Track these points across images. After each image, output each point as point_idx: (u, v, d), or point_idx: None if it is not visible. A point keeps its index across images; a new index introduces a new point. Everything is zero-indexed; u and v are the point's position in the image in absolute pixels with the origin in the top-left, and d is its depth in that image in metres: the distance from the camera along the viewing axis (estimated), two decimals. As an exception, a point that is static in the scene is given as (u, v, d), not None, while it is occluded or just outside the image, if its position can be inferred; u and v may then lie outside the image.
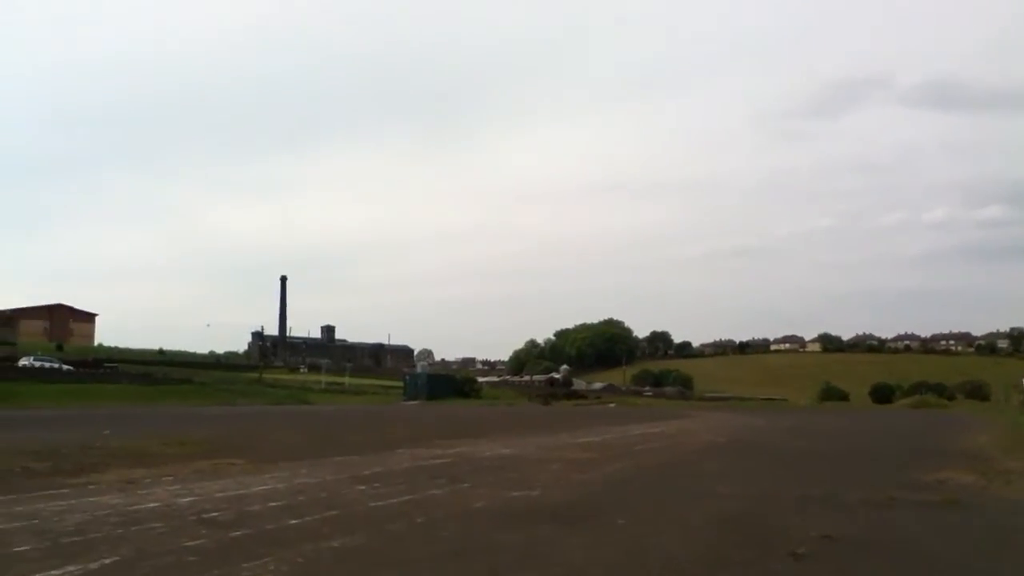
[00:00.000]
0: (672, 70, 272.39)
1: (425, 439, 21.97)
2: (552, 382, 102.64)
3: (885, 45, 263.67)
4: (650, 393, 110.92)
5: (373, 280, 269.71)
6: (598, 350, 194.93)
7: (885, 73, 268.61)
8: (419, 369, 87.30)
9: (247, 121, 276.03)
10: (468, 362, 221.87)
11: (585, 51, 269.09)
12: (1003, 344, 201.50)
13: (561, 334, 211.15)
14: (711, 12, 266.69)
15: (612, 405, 72.33)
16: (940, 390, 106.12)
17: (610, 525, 8.83)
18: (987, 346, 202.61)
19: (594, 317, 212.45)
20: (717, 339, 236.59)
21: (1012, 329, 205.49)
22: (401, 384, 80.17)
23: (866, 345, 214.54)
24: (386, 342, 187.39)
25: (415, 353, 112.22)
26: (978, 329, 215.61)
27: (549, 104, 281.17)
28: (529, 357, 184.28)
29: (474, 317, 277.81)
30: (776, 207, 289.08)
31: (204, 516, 8.92)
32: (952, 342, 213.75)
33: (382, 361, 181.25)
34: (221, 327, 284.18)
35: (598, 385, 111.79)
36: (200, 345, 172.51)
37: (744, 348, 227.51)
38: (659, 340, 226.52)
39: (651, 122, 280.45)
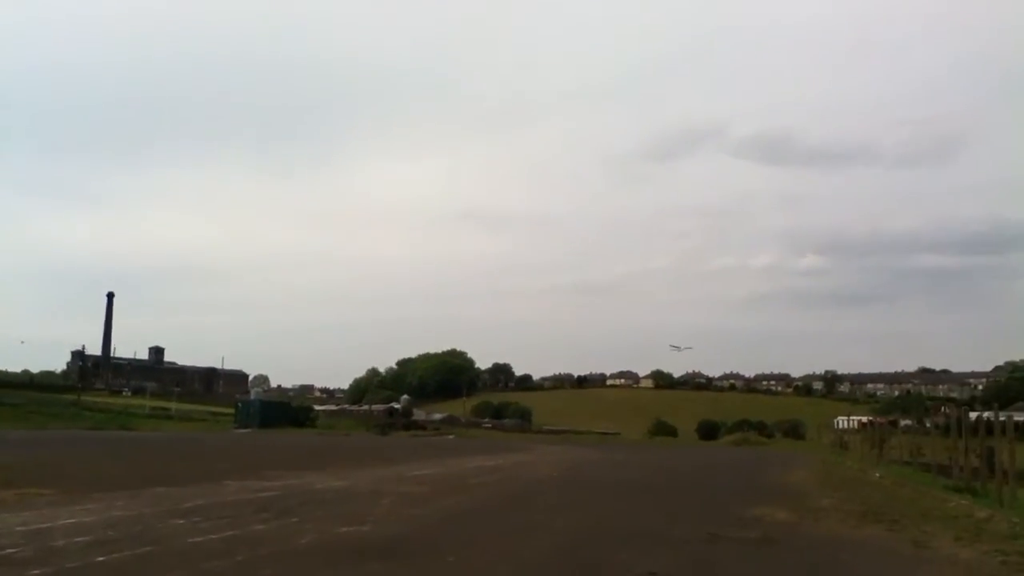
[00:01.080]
0: (526, 106, 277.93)
1: (254, 470, 21.11)
2: (391, 412, 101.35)
3: (721, 98, 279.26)
4: (489, 425, 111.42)
5: (208, 301, 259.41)
6: (440, 380, 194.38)
7: (720, 124, 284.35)
8: (253, 395, 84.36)
9: (76, 126, 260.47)
10: (306, 389, 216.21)
11: (442, 81, 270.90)
12: (818, 385, 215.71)
13: (404, 363, 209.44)
14: (565, 52, 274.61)
15: (451, 437, 72.09)
16: (761, 428, 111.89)
17: (440, 561, 8.69)
18: (804, 387, 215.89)
19: (438, 347, 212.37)
20: (557, 372, 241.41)
21: (826, 371, 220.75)
22: (233, 411, 77.04)
23: (695, 383, 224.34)
24: (219, 366, 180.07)
25: (250, 379, 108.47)
26: (796, 371, 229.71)
27: (402, 132, 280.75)
28: (370, 386, 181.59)
29: (314, 343, 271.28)
30: (618, 245, 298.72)
31: (-2, 554, 8.16)
32: (773, 382, 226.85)
33: (214, 386, 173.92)
34: (38, 345, 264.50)
35: (438, 416, 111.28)
36: (12, 363, 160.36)
37: (582, 382, 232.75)
38: (501, 372, 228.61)
39: (502, 155, 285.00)
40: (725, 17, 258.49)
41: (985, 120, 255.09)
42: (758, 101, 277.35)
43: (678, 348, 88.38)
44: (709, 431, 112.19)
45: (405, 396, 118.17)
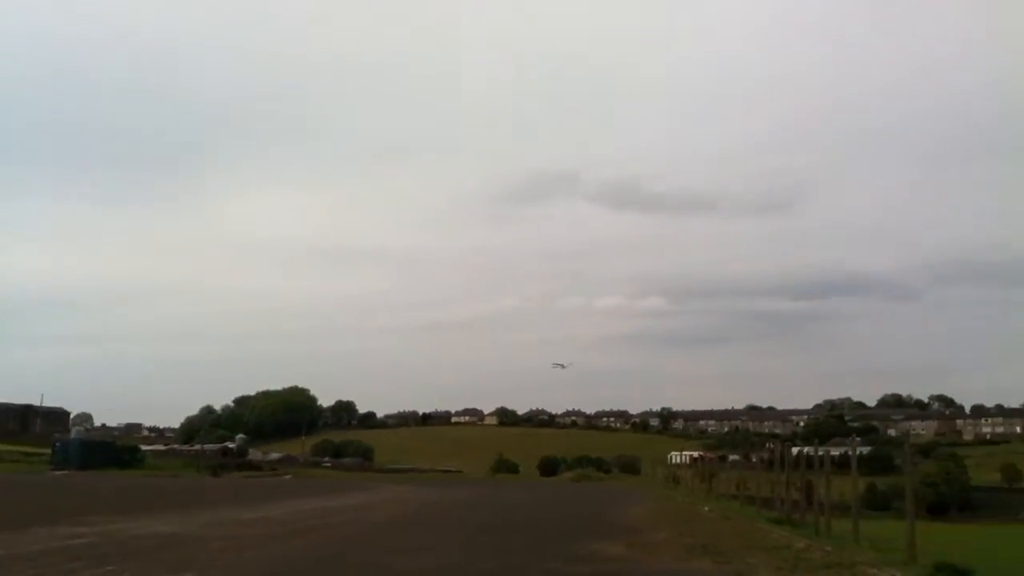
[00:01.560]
0: (385, 145, 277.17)
1: (68, 514, 19.60)
2: (225, 452, 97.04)
3: (576, 145, 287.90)
4: (329, 464, 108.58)
5: (27, 334, 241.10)
6: (280, 419, 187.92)
7: (574, 170, 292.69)
8: (73, 435, 78.63)
9: None
10: (133, 428, 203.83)
11: (303, 117, 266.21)
12: (655, 422, 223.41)
13: (241, 401, 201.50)
14: (427, 91, 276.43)
15: (288, 477, 69.74)
16: (599, 463, 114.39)
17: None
18: (641, 424, 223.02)
19: (281, 383, 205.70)
20: (402, 410, 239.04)
21: (662, 408, 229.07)
22: (50, 451, 71.54)
23: (538, 419, 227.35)
24: (37, 403, 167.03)
25: (71, 417, 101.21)
26: (635, 408, 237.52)
27: (259, 167, 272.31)
28: (203, 424, 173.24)
29: (148, 380, 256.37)
30: (469, 285, 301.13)
31: None
32: (612, 419, 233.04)
33: (30, 425, 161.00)
34: None
35: (275, 456, 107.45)
36: None
37: (427, 420, 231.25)
38: (344, 410, 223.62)
39: (359, 192, 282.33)
40: (580, 67, 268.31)
41: (819, 175, 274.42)
42: (610, 149, 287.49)
43: (561, 366, 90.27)
44: (550, 467, 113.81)
45: (241, 435, 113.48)
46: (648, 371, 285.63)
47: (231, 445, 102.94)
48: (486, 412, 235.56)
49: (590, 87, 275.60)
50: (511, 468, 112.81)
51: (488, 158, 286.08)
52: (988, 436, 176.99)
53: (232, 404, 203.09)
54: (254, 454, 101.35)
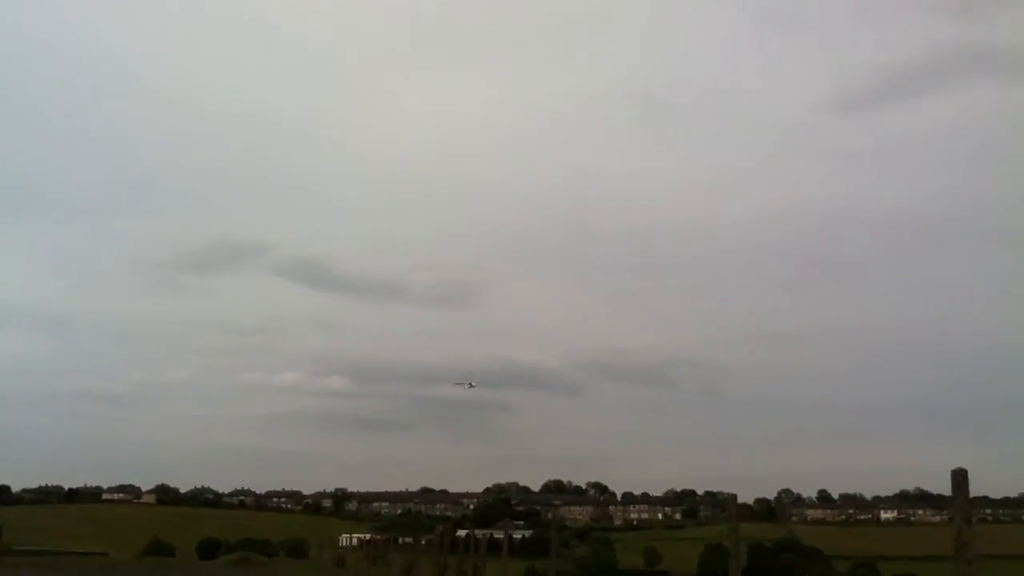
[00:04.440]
0: (53, 197, 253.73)
1: None
2: None
3: (266, 219, 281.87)
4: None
5: None
6: None
7: (264, 244, 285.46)
8: None
9: None
10: None
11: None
12: (328, 503, 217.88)
13: None
14: (98, 149, 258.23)
15: None
16: (264, 546, 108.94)
17: None
18: (314, 505, 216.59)
19: None
20: (43, 484, 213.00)
21: (336, 489, 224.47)
22: None
23: (203, 499, 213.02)
24: None
25: None
26: (308, 488, 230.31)
27: None
28: None
29: None
30: (136, 353, 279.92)
31: None
32: (284, 500, 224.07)
33: None
34: None
35: None
36: None
37: (73, 496, 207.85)
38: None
39: (19, 246, 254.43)
40: (274, 141, 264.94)
41: (494, 275, 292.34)
42: (302, 225, 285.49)
43: (469, 384, 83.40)
44: (209, 550, 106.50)
45: None
46: (324, 452, 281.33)
47: None
48: (144, 489, 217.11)
49: (290, 161, 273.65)
50: (167, 551, 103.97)
51: (174, 224, 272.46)
52: (635, 521, 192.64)
53: None
54: None
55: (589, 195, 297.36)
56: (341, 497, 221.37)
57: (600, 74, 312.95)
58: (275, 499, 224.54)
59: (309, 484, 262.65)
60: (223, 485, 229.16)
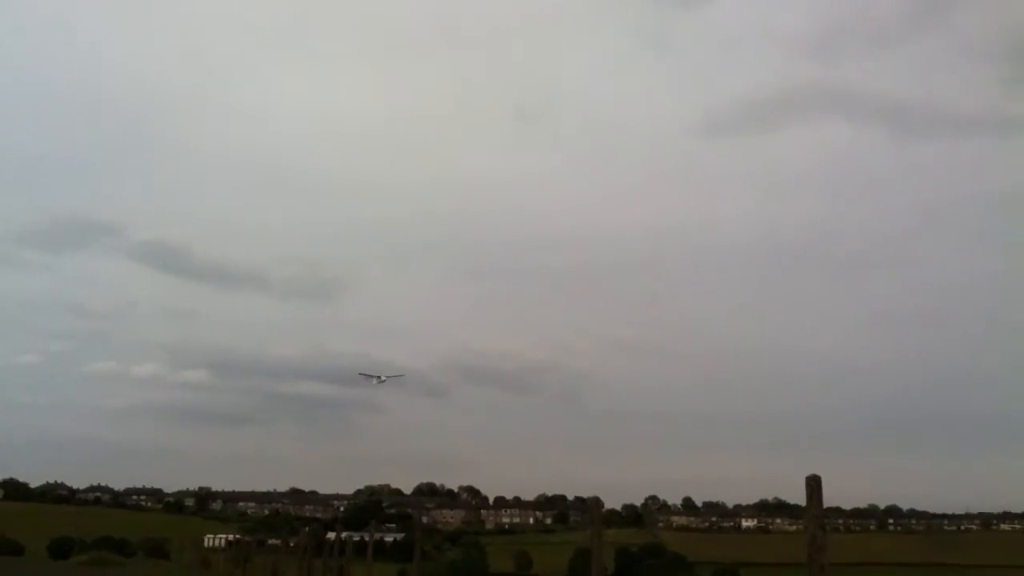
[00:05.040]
0: None
1: None
2: None
3: (123, 198, 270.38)
4: None
5: None
6: None
7: (119, 224, 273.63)
8: None
9: None
10: None
11: None
12: (190, 503, 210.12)
13: None
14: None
15: None
16: (122, 546, 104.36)
17: None
18: (176, 503, 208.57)
19: None
20: None
21: (200, 488, 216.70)
22: None
23: (55, 494, 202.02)
24: None
25: None
26: (169, 486, 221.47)
27: None
28: None
29: None
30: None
31: None
32: (144, 497, 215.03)
33: None
34: None
35: None
36: None
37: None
38: None
39: None
40: (135, 122, 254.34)
41: (361, 271, 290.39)
42: (160, 208, 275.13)
43: (378, 378, 77.48)
44: (63, 549, 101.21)
45: None
46: (187, 448, 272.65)
47: None
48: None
49: (151, 143, 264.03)
50: (15, 549, 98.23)
51: (7, 196, 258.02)
52: (507, 525, 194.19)
53: None
54: None
55: (459, 196, 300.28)
56: (205, 496, 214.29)
57: (478, 77, 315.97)
58: (134, 496, 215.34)
59: (170, 481, 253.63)
60: (77, 480, 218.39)
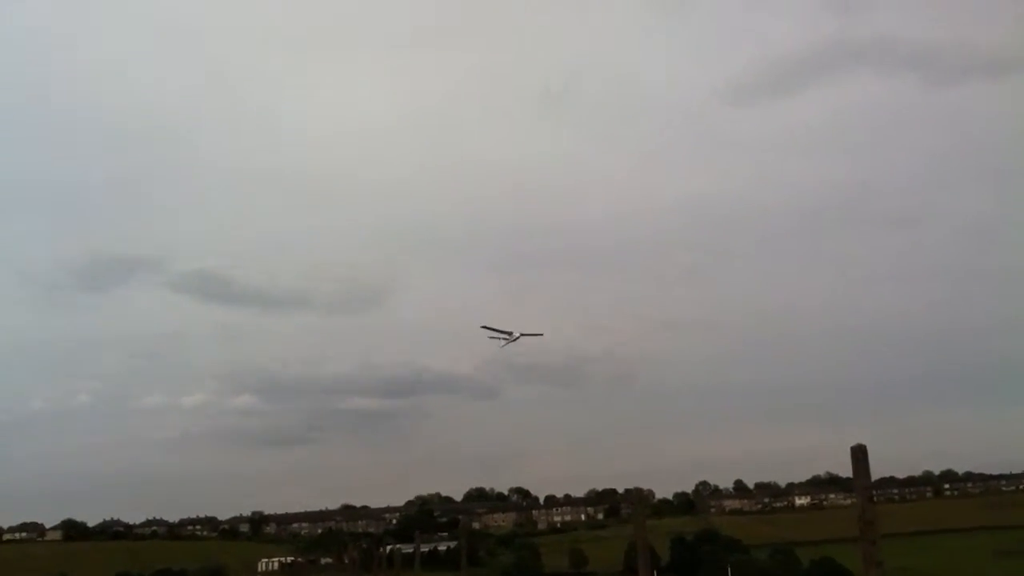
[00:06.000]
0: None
1: None
2: None
3: (161, 230, 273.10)
4: None
5: None
6: None
7: (160, 257, 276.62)
8: None
9: None
10: None
11: None
12: (244, 528, 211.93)
13: None
14: None
15: None
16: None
17: None
18: (230, 530, 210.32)
19: None
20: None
21: (253, 512, 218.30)
22: None
23: (112, 531, 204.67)
24: None
25: None
26: (223, 513, 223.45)
27: None
28: None
29: None
30: (31, 379, 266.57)
31: None
32: (199, 527, 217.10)
33: None
34: None
35: None
36: None
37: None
38: None
39: None
40: (159, 152, 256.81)
41: (403, 279, 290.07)
42: (201, 237, 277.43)
43: (509, 335, 58.70)
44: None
45: None
46: (238, 473, 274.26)
47: None
48: (48, 526, 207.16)
49: (177, 173, 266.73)
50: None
51: (58, 234, 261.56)
52: (559, 524, 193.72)
53: None
54: None
55: (486, 187, 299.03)
56: (259, 520, 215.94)
57: (501, 64, 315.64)
58: (189, 527, 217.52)
59: (224, 508, 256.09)
60: (133, 515, 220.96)
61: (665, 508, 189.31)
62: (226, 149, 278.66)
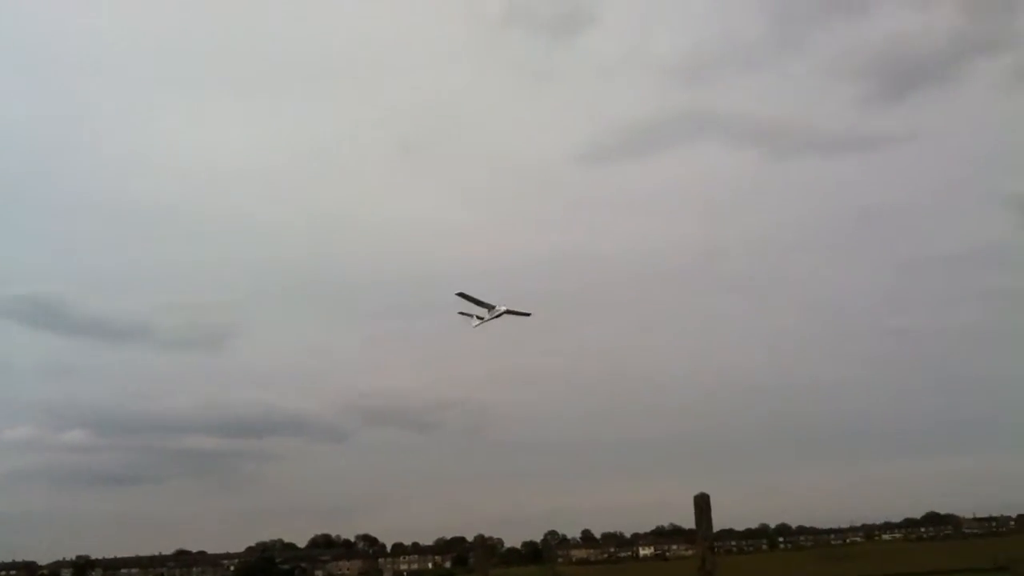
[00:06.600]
0: None
1: None
2: None
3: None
4: None
5: None
6: None
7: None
8: None
9: None
10: None
11: None
12: (67, 573, 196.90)
13: None
14: None
15: None
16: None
17: None
18: (52, 575, 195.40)
19: None
20: None
21: (78, 556, 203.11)
22: None
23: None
24: None
25: None
26: (43, 557, 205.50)
27: None
28: None
29: None
30: None
31: None
32: (15, 572, 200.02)
33: None
34: None
35: None
36: None
37: None
38: None
39: None
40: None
41: (249, 317, 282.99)
42: (33, 261, 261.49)
43: (491, 308, 51.74)
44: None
45: None
46: (62, 514, 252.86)
47: None
48: None
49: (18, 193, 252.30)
50: None
51: None
52: (405, 573, 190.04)
53: None
54: None
55: (342, 234, 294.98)
56: (83, 564, 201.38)
57: (361, 113, 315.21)
58: (4, 572, 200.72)
59: (45, 552, 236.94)
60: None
61: (513, 557, 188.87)
62: (73, 175, 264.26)
